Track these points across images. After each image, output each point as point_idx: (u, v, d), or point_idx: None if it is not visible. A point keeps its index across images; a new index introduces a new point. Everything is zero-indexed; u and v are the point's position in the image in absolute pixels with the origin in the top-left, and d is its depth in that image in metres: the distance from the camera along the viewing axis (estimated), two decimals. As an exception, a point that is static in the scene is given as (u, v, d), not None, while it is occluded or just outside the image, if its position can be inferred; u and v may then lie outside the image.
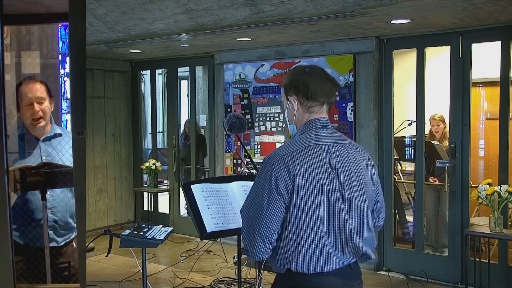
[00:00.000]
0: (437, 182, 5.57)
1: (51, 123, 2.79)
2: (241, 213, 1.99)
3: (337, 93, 5.24)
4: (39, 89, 2.67)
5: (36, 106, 2.66)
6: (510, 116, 4.62)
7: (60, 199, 2.72)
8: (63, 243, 2.80)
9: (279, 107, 5.89)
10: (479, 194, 4.17)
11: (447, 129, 5.52)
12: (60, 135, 2.80)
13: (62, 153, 2.72)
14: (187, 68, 7.09)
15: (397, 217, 5.81)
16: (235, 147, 6.30)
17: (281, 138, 5.90)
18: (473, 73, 4.80)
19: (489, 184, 4.18)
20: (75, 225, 2.85)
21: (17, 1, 2.32)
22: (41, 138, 2.74)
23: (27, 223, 2.62)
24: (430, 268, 5.00)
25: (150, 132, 7.84)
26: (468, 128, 4.81)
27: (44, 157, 2.68)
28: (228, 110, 6.27)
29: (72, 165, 2.56)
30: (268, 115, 6.00)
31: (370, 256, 2.00)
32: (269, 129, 6.01)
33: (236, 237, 3.40)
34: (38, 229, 2.63)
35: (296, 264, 1.90)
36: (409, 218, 5.98)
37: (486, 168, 6.50)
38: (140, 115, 7.69)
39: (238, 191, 2.88)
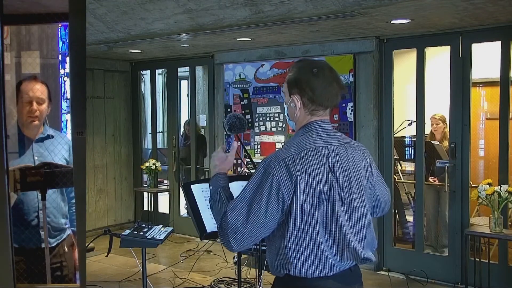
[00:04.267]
0: (437, 182, 5.57)
1: (44, 125, 2.79)
2: (229, 213, 1.87)
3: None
4: (40, 90, 2.68)
5: (35, 106, 2.67)
6: (510, 116, 4.62)
7: (51, 200, 2.72)
8: (55, 243, 2.81)
9: (279, 107, 5.89)
10: (479, 194, 4.17)
11: (447, 129, 5.52)
12: (52, 136, 2.80)
13: (55, 153, 2.72)
14: (187, 68, 7.09)
15: (397, 217, 5.81)
16: (235, 147, 6.29)
17: (281, 138, 5.90)
18: (473, 73, 4.80)
19: (489, 184, 4.18)
20: (67, 226, 2.88)
21: (17, 1, 2.32)
22: (34, 139, 2.74)
23: (19, 224, 2.62)
24: (430, 268, 5.00)
25: (150, 132, 7.84)
26: (468, 128, 4.81)
27: (36, 158, 2.68)
28: (228, 110, 6.27)
29: (70, 165, 2.58)
30: (268, 115, 6.00)
31: (370, 259, 1.99)
32: (269, 129, 6.01)
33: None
34: (30, 230, 2.64)
35: (295, 269, 1.87)
36: (409, 218, 5.98)
37: (486, 168, 6.50)
38: (140, 115, 7.69)
39: (238, 191, 2.88)
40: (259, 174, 1.88)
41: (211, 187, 2.08)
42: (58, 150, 2.72)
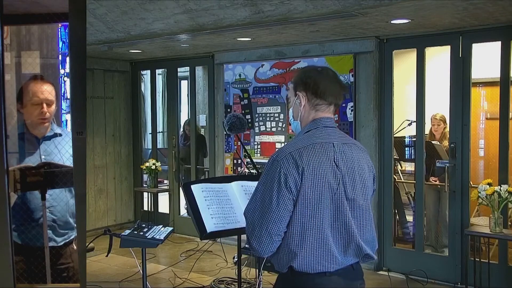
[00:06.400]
0: (437, 182, 5.57)
1: (51, 123, 2.79)
2: (245, 214, 1.97)
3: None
4: (49, 91, 2.68)
5: (45, 108, 2.67)
6: (510, 116, 4.62)
7: (59, 198, 2.72)
8: (63, 243, 2.79)
9: (279, 107, 5.89)
10: (479, 194, 4.17)
11: (447, 129, 5.52)
12: (60, 134, 2.80)
13: (62, 153, 2.72)
14: (187, 68, 7.09)
15: (397, 217, 5.81)
16: (235, 147, 6.30)
17: (281, 138, 5.90)
18: (473, 73, 4.80)
19: (489, 184, 4.18)
20: (75, 224, 2.85)
21: (17, 1, 2.32)
22: (41, 138, 2.74)
23: (26, 223, 2.61)
24: (430, 268, 5.00)
25: (150, 132, 7.84)
26: (468, 128, 4.81)
27: (43, 157, 2.68)
28: (228, 110, 6.27)
29: (72, 165, 2.57)
30: (268, 115, 6.00)
31: (372, 256, 2.00)
32: (269, 129, 6.01)
33: (236, 237, 3.40)
34: (37, 229, 2.63)
35: (299, 262, 1.89)
36: (409, 218, 5.98)
37: (486, 168, 6.50)
38: (140, 115, 7.70)
39: (238, 191, 2.88)
40: (267, 171, 1.93)
41: None
42: (66, 149, 2.71)
